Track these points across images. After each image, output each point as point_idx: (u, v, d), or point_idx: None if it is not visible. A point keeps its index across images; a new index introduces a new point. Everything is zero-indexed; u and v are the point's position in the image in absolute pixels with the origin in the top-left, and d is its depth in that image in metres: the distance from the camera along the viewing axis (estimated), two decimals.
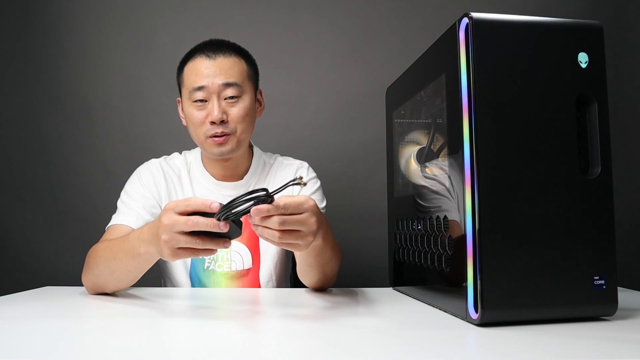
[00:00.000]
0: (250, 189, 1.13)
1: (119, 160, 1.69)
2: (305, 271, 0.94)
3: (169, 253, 0.72)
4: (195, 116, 1.06)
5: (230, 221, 0.68)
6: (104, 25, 1.74)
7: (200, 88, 1.05)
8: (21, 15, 1.73)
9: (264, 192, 0.68)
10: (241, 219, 0.70)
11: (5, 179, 1.72)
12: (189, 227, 0.69)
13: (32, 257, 1.70)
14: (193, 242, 0.70)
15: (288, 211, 0.69)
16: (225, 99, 1.06)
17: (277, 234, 0.69)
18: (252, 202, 0.67)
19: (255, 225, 0.70)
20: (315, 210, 0.73)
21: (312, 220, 0.71)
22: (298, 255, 0.90)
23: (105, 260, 0.88)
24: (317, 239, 0.79)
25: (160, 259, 1.14)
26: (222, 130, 1.05)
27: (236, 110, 1.06)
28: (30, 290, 1.01)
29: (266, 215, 0.68)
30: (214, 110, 1.04)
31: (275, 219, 0.68)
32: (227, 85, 1.05)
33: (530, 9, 1.70)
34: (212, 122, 1.04)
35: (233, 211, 0.67)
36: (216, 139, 1.05)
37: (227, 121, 1.05)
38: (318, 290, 1.00)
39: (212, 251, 0.73)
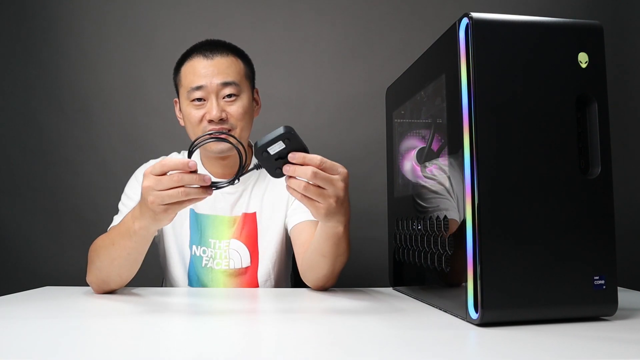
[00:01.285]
0: (249, 188, 1.15)
1: (119, 160, 1.69)
2: (316, 262, 0.94)
3: (160, 211, 0.73)
4: (194, 115, 1.07)
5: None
6: (104, 25, 1.74)
7: (198, 88, 1.05)
8: (21, 15, 1.73)
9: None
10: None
11: (5, 179, 1.72)
12: (174, 182, 0.71)
13: (32, 257, 1.70)
14: (177, 195, 0.71)
15: (322, 166, 0.70)
16: (223, 97, 1.06)
17: (302, 184, 0.71)
18: (283, 146, 0.69)
19: (286, 169, 0.71)
20: (347, 179, 0.74)
21: (341, 185, 0.73)
22: (314, 243, 0.91)
23: (105, 249, 0.89)
24: (339, 225, 0.81)
25: (161, 259, 1.16)
26: (221, 127, 1.06)
27: (235, 108, 1.07)
28: (30, 290, 1.01)
29: (302, 163, 0.70)
30: (213, 109, 1.04)
31: (310, 170, 0.69)
32: (226, 84, 1.06)
33: (530, 9, 1.70)
34: (211, 121, 1.05)
35: (265, 150, 0.70)
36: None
37: (226, 119, 1.06)
38: (319, 290, 1.00)
39: (199, 198, 0.73)
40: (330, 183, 0.72)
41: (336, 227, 0.83)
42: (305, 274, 0.99)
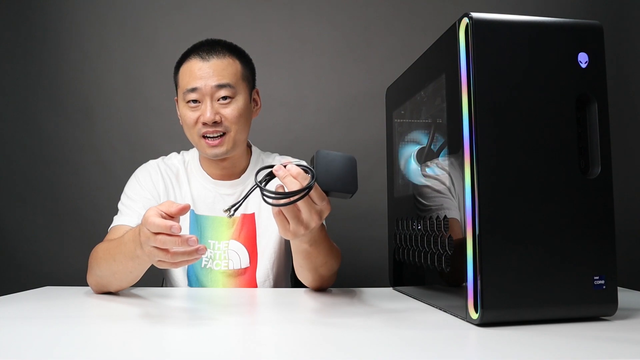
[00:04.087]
0: (247, 189, 1.14)
1: (119, 160, 1.69)
2: (298, 271, 0.95)
3: (156, 262, 0.74)
4: (189, 117, 1.07)
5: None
6: (104, 25, 1.74)
7: (193, 90, 1.05)
8: (21, 15, 1.73)
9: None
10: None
11: (5, 179, 1.72)
12: (160, 244, 0.70)
13: (32, 257, 1.70)
14: (165, 256, 0.71)
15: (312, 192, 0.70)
16: (218, 100, 1.06)
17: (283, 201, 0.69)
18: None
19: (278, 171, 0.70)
20: (325, 216, 0.73)
21: (316, 220, 0.72)
22: (293, 254, 0.92)
23: (106, 263, 0.89)
24: (302, 244, 0.82)
25: None
26: (215, 129, 1.06)
27: (229, 111, 1.07)
28: (30, 290, 1.01)
29: (294, 177, 0.69)
30: (207, 111, 1.04)
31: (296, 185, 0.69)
32: (220, 86, 1.05)
33: (530, 9, 1.70)
34: (205, 123, 1.05)
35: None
36: (209, 141, 1.06)
37: (221, 122, 1.06)
38: (317, 290, 1.00)
39: (189, 260, 0.72)
40: (310, 211, 0.71)
41: (300, 244, 0.83)
42: (299, 278, 0.99)
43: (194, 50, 1.09)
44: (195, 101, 1.06)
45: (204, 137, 1.07)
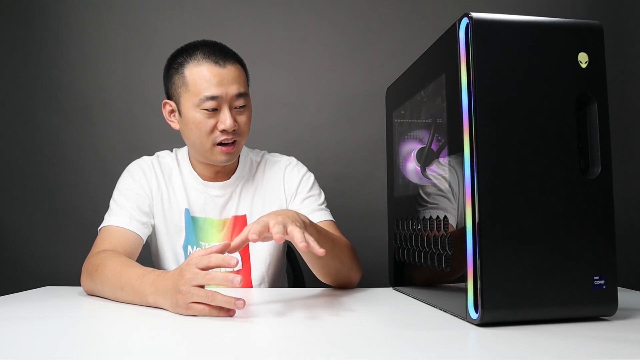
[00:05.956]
0: (238, 189, 1.14)
1: (119, 160, 1.67)
2: (318, 274, 0.98)
3: (184, 306, 0.73)
4: (206, 124, 1.03)
5: None
6: (104, 25, 1.74)
7: (213, 97, 1.02)
8: (21, 15, 1.73)
9: None
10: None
11: (5, 179, 1.72)
12: (207, 280, 0.72)
13: (31, 257, 1.70)
14: (205, 296, 0.72)
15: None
16: (235, 107, 1.05)
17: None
18: None
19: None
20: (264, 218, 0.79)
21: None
22: (307, 262, 0.96)
23: (111, 286, 0.86)
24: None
25: (154, 258, 1.16)
26: (232, 137, 1.05)
27: (244, 119, 1.07)
28: (30, 290, 1.01)
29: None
30: (227, 119, 1.02)
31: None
32: (240, 95, 1.05)
33: (530, 9, 1.70)
34: (224, 130, 1.03)
35: None
36: (224, 147, 1.05)
37: (237, 129, 1.06)
38: (340, 288, 1.02)
39: (226, 311, 0.73)
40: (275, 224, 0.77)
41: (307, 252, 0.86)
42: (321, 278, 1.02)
43: (202, 54, 1.04)
44: (213, 109, 1.03)
45: (220, 144, 1.05)
